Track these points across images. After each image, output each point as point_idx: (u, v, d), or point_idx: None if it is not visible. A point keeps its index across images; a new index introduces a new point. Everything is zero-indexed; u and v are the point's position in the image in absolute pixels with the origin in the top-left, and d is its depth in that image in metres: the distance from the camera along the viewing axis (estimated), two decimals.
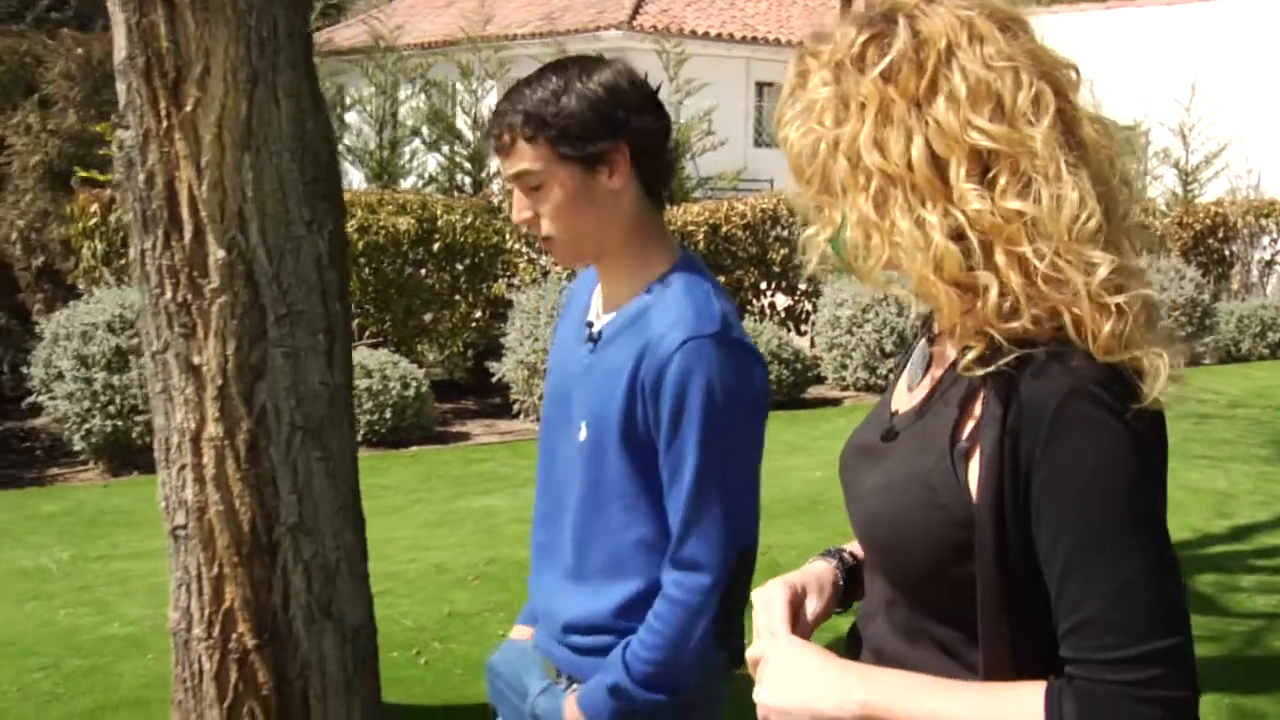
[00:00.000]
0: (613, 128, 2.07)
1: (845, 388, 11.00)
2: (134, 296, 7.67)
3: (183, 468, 3.65)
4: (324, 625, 3.73)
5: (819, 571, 1.61)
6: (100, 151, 10.16)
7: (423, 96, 13.04)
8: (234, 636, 3.66)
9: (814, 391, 10.66)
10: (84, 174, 7.38)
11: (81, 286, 8.29)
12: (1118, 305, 1.28)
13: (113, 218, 8.60)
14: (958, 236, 1.31)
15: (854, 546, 1.64)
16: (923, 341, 1.54)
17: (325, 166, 3.71)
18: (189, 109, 3.45)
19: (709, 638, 2.08)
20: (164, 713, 4.19)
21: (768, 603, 1.52)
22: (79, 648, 4.78)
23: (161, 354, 3.63)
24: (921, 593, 1.42)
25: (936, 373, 1.46)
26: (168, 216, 3.53)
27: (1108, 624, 1.25)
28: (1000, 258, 1.30)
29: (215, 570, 3.65)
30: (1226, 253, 14.72)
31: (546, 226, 2.11)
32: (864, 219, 1.35)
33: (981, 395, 1.33)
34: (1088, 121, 1.36)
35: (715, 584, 2.05)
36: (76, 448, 7.62)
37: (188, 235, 3.52)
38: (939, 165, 1.32)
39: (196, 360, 3.57)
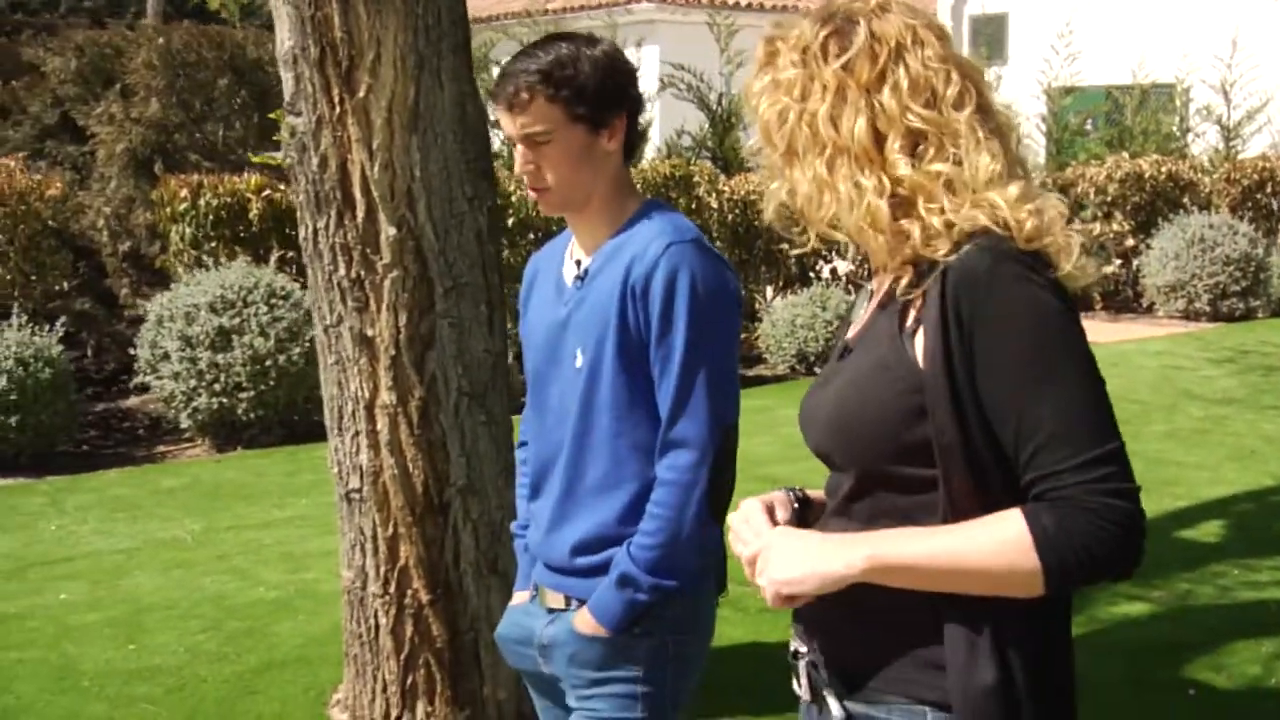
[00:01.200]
0: (619, 96, 2.35)
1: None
2: (234, 277, 7.88)
3: (356, 434, 3.84)
4: (491, 581, 3.92)
5: (778, 495, 1.79)
6: (176, 137, 10.39)
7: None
8: (409, 592, 3.86)
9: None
10: (256, 159, 7.56)
11: (181, 271, 8.49)
12: (1034, 208, 1.57)
13: (202, 202, 8.79)
14: (890, 195, 1.60)
15: (810, 491, 1.83)
16: (867, 286, 1.81)
17: (483, 146, 3.88)
18: (361, 95, 3.63)
19: (703, 513, 2.26)
20: (327, 669, 4.40)
21: (747, 517, 1.72)
22: (232, 611, 4.99)
23: (335, 327, 3.82)
24: (883, 467, 1.61)
25: (878, 299, 1.71)
26: (340, 197, 3.71)
27: (1064, 439, 1.49)
28: (922, 208, 1.59)
29: (390, 530, 3.85)
30: (1276, 206, 14.74)
31: (549, 178, 2.34)
32: (818, 178, 1.63)
33: (923, 291, 1.58)
34: (1000, 109, 1.67)
35: (703, 458, 2.26)
36: (183, 425, 7.84)
37: (360, 214, 3.70)
38: (879, 140, 1.61)
39: (370, 332, 3.76)
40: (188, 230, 9.00)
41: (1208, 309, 12.80)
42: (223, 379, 7.59)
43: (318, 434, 8.05)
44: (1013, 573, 1.49)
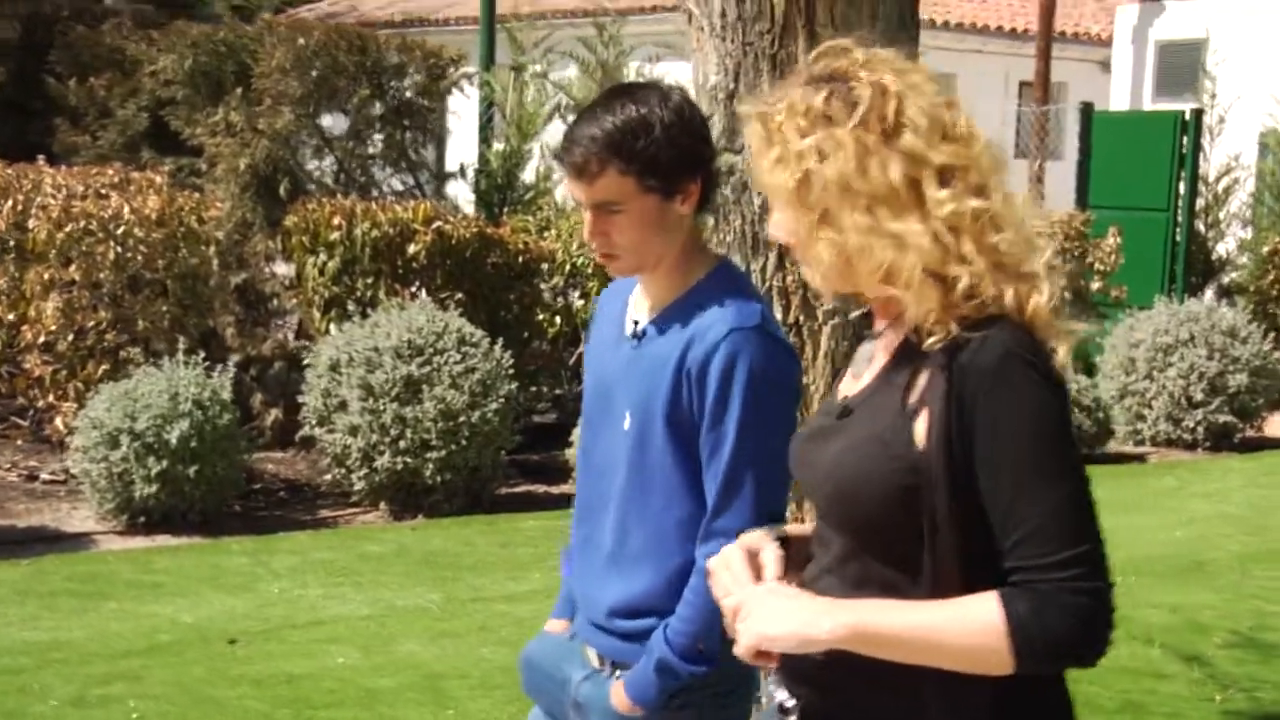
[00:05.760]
0: (695, 164, 2.84)
1: (1140, 442, 11.96)
2: (422, 320, 8.79)
3: None
4: None
5: (760, 538, 2.22)
6: (301, 153, 11.35)
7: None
8: None
9: (1109, 446, 11.62)
10: None
11: (316, 312, 9.33)
12: (1052, 292, 2.05)
13: (358, 231, 9.72)
14: (934, 238, 2.04)
15: (790, 528, 2.34)
16: (867, 342, 2.28)
17: None
18: None
19: None
20: None
21: (729, 563, 2.17)
22: None
23: None
24: (874, 539, 2.07)
25: (883, 359, 2.15)
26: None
27: (1045, 536, 1.95)
28: (969, 248, 2.03)
29: None
30: None
31: (618, 245, 2.83)
32: (861, 228, 2.06)
33: (927, 368, 2.03)
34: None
35: None
36: (356, 487, 8.71)
37: None
38: (913, 183, 2.06)
39: (805, 379, 4.63)
40: (330, 263, 9.94)
41: None
42: (409, 435, 8.47)
43: (506, 504, 9.00)
44: (985, 651, 1.96)
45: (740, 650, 2.09)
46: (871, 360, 2.21)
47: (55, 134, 12.99)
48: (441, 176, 12.24)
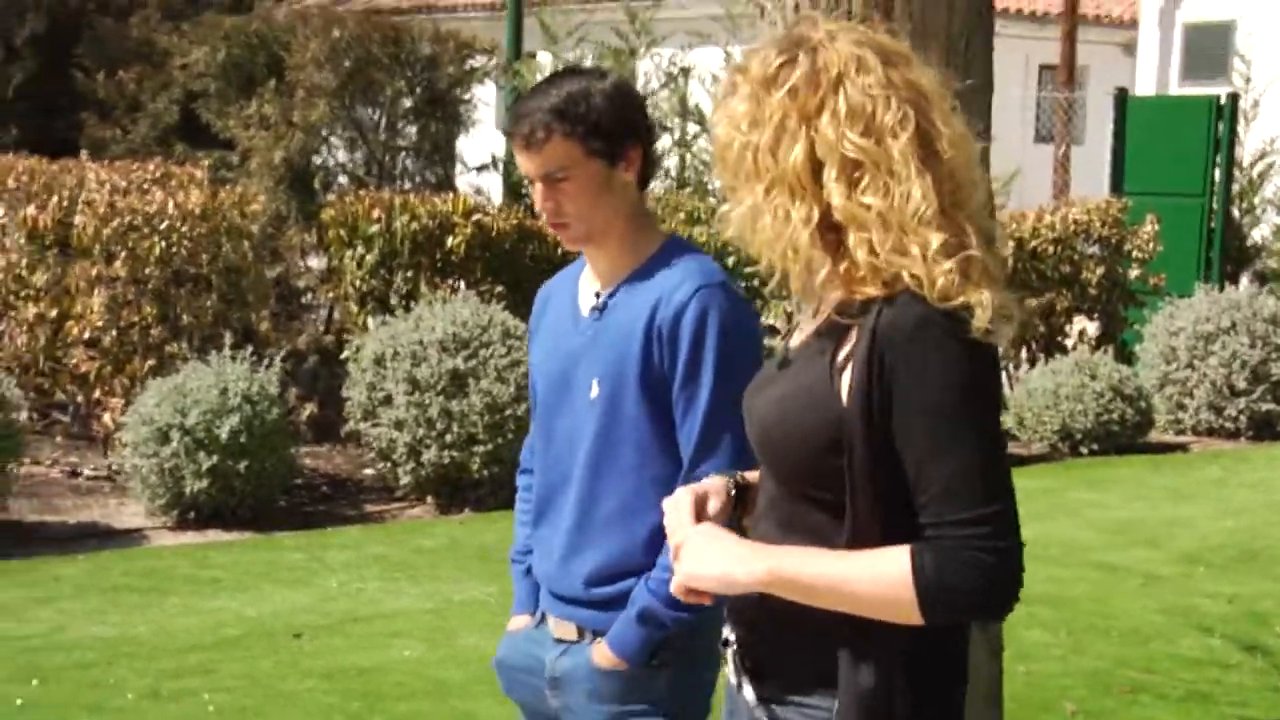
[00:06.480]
0: (632, 127, 3.05)
1: (1182, 431, 12.10)
2: (467, 313, 8.94)
3: None
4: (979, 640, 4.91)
5: (715, 482, 2.42)
6: (333, 144, 11.50)
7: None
8: None
9: (1151, 435, 11.75)
10: None
11: (353, 306, 9.45)
12: (951, 266, 2.13)
13: (397, 224, 9.87)
14: (822, 225, 2.18)
15: (750, 474, 2.45)
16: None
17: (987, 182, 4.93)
18: None
19: None
20: None
21: (677, 505, 2.34)
22: None
23: None
24: (798, 484, 2.25)
25: (825, 314, 2.29)
26: None
27: (953, 495, 2.10)
28: (851, 239, 2.17)
29: None
30: None
31: (568, 214, 3.01)
32: (756, 206, 2.22)
33: (854, 328, 2.18)
34: (945, 138, 2.21)
35: None
36: (403, 481, 8.87)
37: None
38: (815, 168, 2.18)
39: None
40: (368, 256, 10.10)
41: None
42: (455, 429, 8.62)
43: None
44: (895, 602, 2.12)
45: (673, 588, 2.30)
46: (816, 315, 2.34)
47: (83, 129, 13.15)
48: (451, 165, 12.38)
